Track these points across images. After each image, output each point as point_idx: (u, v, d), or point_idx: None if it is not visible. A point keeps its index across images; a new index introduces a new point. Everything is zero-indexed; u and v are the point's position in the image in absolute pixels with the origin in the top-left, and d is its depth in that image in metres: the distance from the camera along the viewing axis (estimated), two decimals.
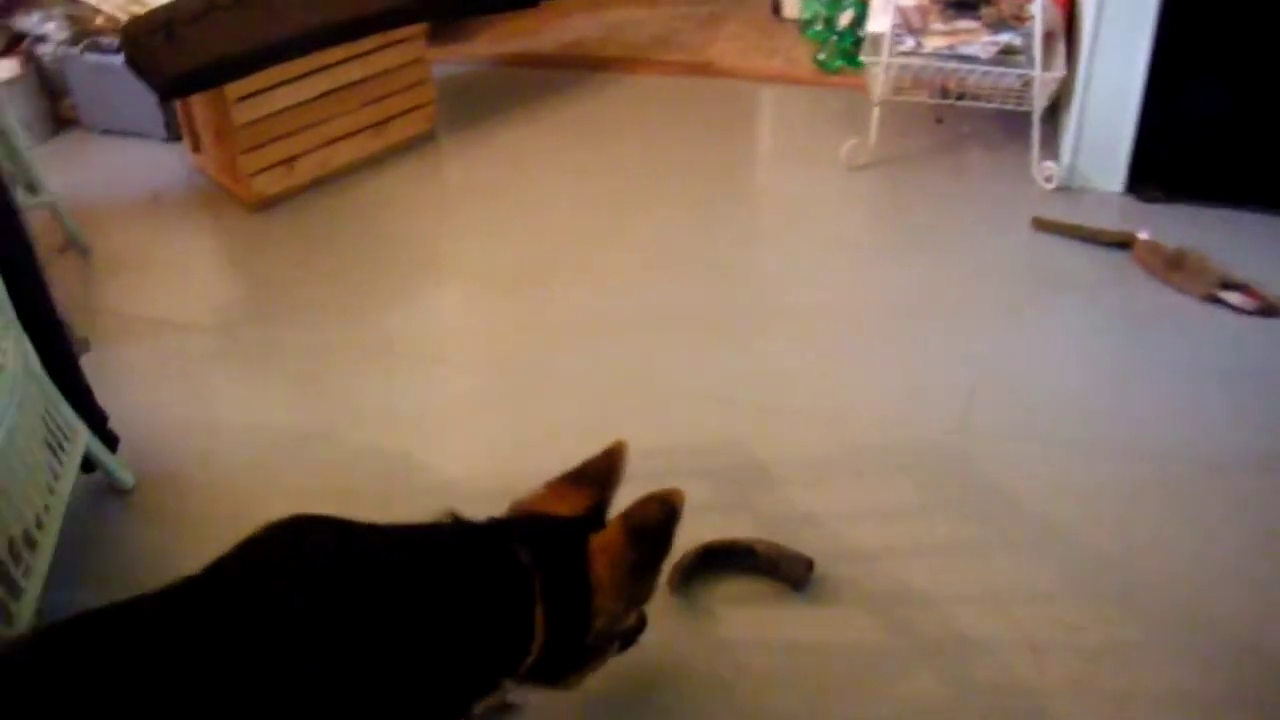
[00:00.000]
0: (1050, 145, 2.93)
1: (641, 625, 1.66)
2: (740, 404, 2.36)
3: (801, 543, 1.95)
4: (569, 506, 1.49)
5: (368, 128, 3.32)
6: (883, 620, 1.86)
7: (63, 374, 2.21)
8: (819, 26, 3.51)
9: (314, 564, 1.32)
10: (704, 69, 3.67)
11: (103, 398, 2.38)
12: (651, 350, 2.54)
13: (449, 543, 1.40)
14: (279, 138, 3.15)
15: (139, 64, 2.99)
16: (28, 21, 3.62)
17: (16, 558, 1.87)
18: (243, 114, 3.06)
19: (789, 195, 3.16)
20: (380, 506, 2.13)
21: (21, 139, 2.97)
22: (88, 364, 2.40)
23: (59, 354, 2.22)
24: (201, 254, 3.16)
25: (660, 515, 1.45)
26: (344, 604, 1.27)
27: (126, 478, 2.33)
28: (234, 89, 3.00)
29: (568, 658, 1.44)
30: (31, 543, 1.93)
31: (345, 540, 1.37)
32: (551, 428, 2.35)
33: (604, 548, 1.42)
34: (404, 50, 3.30)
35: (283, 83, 3.09)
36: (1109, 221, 2.76)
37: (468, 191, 3.32)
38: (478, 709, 1.43)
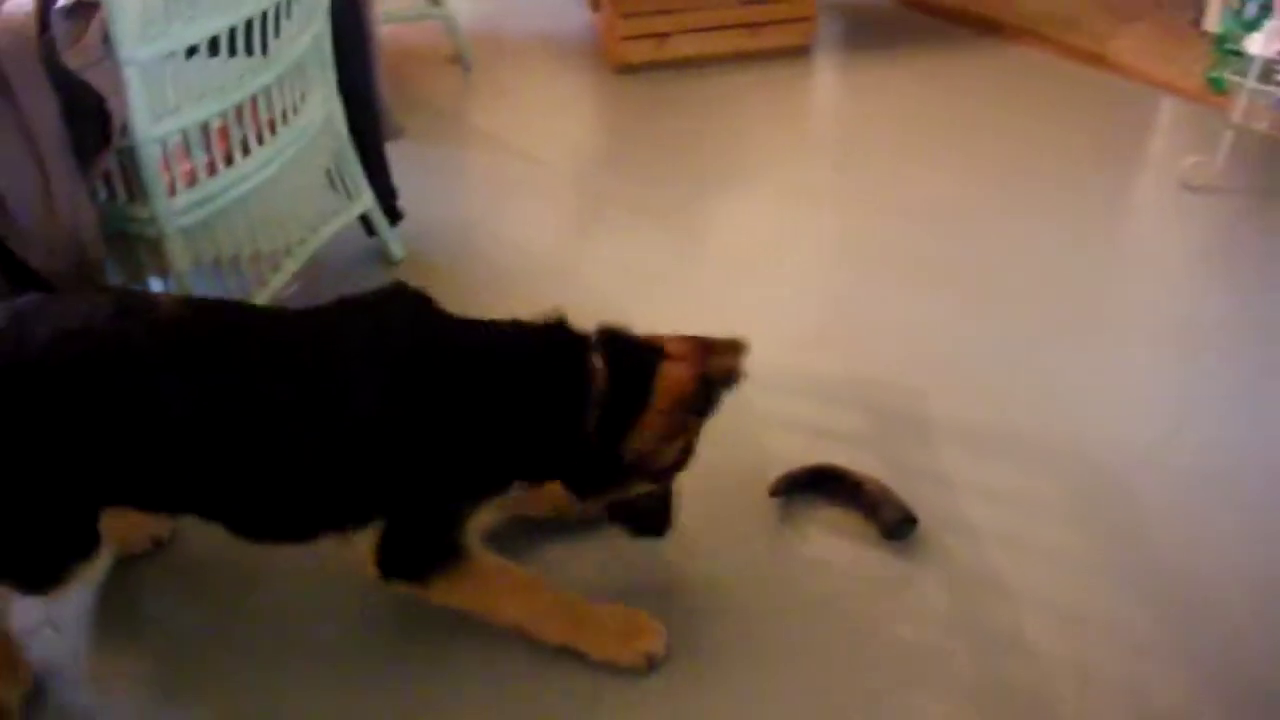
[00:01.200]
0: None
1: (682, 462, 1.70)
2: (947, 364, 2.28)
3: (921, 499, 1.88)
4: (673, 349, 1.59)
5: (743, 26, 3.44)
6: (954, 596, 1.78)
7: (365, 145, 2.57)
8: (1230, 44, 3.17)
9: (391, 322, 1.56)
10: (1094, 59, 3.44)
11: (408, 183, 2.73)
12: (896, 290, 2.51)
13: (529, 337, 1.57)
14: (657, 12, 3.36)
15: None
16: None
17: (263, 269, 2.26)
18: None
19: (1110, 195, 2.92)
20: None
21: None
22: (405, 151, 2.77)
23: (368, 128, 2.58)
24: (556, 97, 3.46)
25: (730, 373, 1.56)
26: (402, 361, 1.49)
27: (397, 250, 2.68)
28: None
29: (604, 468, 1.56)
30: (276, 265, 2.30)
31: (426, 313, 1.60)
32: (772, 325, 2.40)
33: (673, 379, 1.52)
34: None
35: None
36: None
37: (813, 110, 3.37)
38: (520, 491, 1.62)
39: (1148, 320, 2.41)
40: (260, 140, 2.14)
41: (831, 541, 1.87)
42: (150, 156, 1.90)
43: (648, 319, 2.30)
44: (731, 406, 1.89)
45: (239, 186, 2.11)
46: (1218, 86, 3.22)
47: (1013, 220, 2.75)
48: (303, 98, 2.28)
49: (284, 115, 2.21)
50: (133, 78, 1.81)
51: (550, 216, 2.88)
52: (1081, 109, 3.27)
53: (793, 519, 1.92)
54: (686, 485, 1.74)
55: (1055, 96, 3.33)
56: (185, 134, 1.97)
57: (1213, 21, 3.49)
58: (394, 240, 2.67)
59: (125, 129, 1.86)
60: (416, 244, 2.72)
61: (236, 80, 2.03)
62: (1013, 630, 1.70)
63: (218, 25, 1.93)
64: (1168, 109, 3.29)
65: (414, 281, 2.52)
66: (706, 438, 1.66)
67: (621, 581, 1.79)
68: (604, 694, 1.61)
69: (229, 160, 2.08)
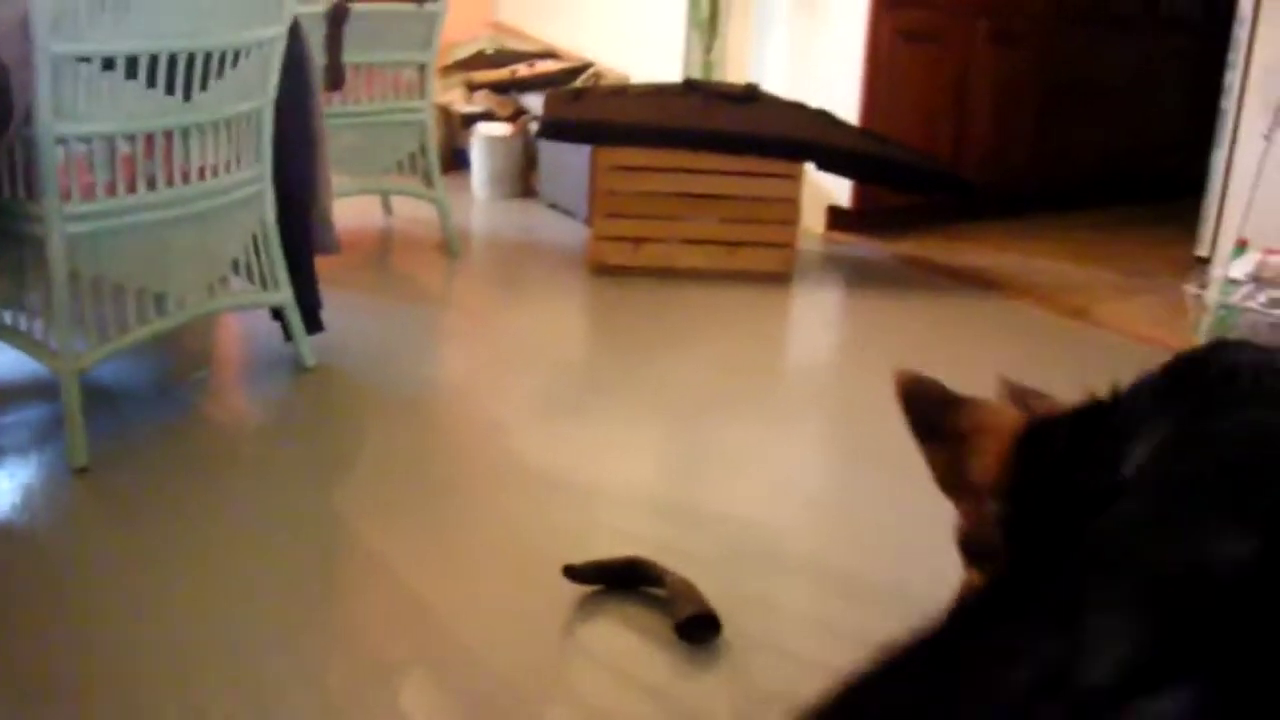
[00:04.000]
0: None
1: None
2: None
3: (740, 622, 1.85)
4: None
5: (720, 243, 3.68)
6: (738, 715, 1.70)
7: (295, 246, 2.80)
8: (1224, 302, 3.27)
9: None
10: (1078, 313, 3.57)
11: (345, 317, 3.03)
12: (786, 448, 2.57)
13: None
14: (634, 215, 3.65)
15: (546, 114, 3.69)
16: (530, 99, 4.59)
17: (148, 308, 2.43)
18: (609, 181, 3.61)
19: None
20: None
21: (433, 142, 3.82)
22: (350, 298, 3.03)
23: (300, 229, 2.84)
24: (523, 284, 3.76)
25: None
26: None
27: (308, 357, 2.85)
28: (608, 156, 3.56)
29: None
30: (164, 311, 2.47)
31: None
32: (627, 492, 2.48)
33: None
34: (779, 185, 3.67)
35: (653, 168, 3.59)
36: None
37: (767, 333, 3.50)
38: None
39: None
40: (170, 182, 2.37)
41: (623, 636, 1.84)
42: (50, 153, 2.16)
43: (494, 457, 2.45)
44: (579, 516, 1.95)
45: (136, 215, 2.34)
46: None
47: None
48: (229, 166, 2.53)
49: (202, 171, 2.45)
50: (42, 68, 2.09)
51: (467, 365, 3.11)
52: (1065, 358, 3.35)
53: (588, 609, 1.91)
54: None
55: (1042, 346, 3.43)
56: (90, 147, 2.21)
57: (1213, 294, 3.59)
58: (307, 347, 2.83)
59: (29, 117, 2.09)
60: (333, 359, 2.91)
61: (149, 111, 2.31)
62: None
63: (135, 46, 2.22)
64: (1135, 357, 3.32)
65: (316, 390, 2.74)
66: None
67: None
68: None
69: (131, 188, 2.30)
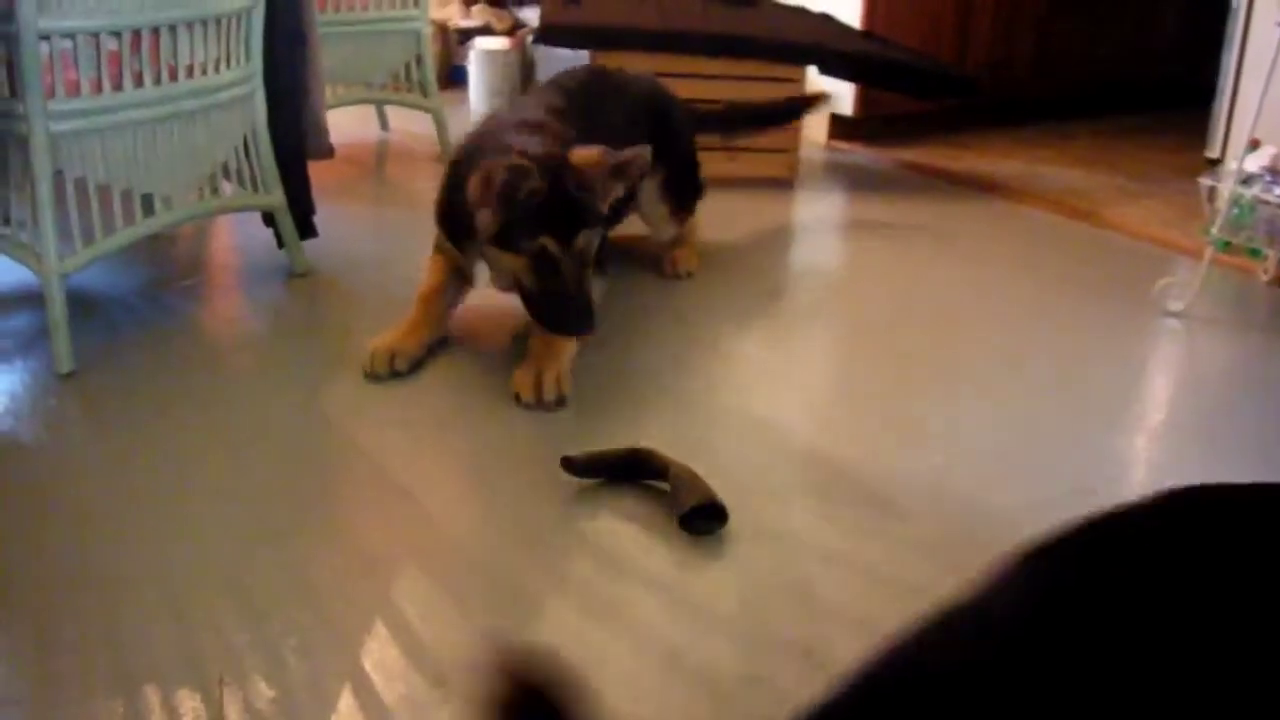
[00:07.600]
0: None
1: None
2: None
3: (745, 508, 1.83)
4: None
5: (720, 149, 3.61)
6: (745, 601, 1.68)
7: (287, 150, 2.75)
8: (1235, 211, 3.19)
9: None
10: (1085, 215, 3.51)
11: (342, 225, 2.96)
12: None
13: None
14: None
15: (544, 18, 3.62)
16: (527, 12, 4.52)
17: (135, 208, 2.40)
18: None
19: (1083, 332, 2.89)
20: None
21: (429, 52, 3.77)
22: (349, 209, 3.01)
23: (291, 133, 2.78)
24: None
25: None
26: None
27: (301, 263, 2.82)
28: (607, 61, 3.47)
29: None
30: (151, 210, 2.43)
31: None
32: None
33: None
34: (780, 90, 3.59)
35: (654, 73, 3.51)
36: None
37: (775, 243, 3.45)
38: None
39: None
40: (158, 80, 2.33)
41: (623, 528, 1.82)
42: (32, 50, 2.11)
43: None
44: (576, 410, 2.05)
45: (122, 114, 2.30)
46: (1214, 242, 3.19)
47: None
48: (218, 65, 2.48)
49: (190, 69, 2.40)
50: None
51: None
52: (1077, 256, 3.31)
53: (587, 502, 1.89)
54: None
55: (1051, 246, 3.40)
56: (75, 43, 2.16)
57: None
58: (300, 253, 2.79)
59: (10, 14, 2.04)
60: (326, 265, 2.89)
61: (135, 7, 2.28)
62: (806, 641, 1.57)
63: None
64: (1146, 256, 3.29)
65: (306, 296, 2.70)
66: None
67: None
68: None
69: (117, 85, 2.25)
